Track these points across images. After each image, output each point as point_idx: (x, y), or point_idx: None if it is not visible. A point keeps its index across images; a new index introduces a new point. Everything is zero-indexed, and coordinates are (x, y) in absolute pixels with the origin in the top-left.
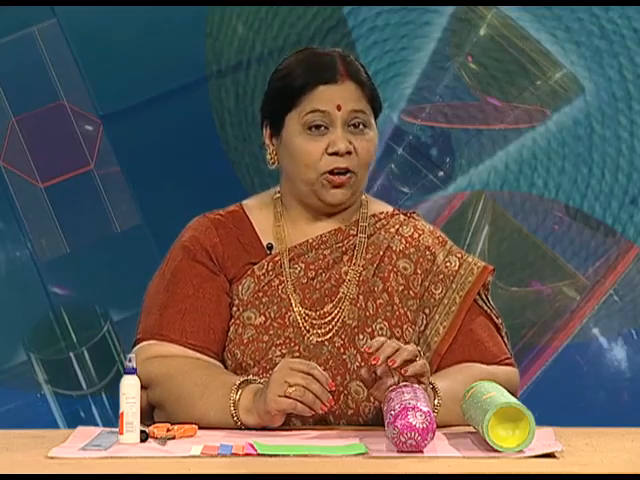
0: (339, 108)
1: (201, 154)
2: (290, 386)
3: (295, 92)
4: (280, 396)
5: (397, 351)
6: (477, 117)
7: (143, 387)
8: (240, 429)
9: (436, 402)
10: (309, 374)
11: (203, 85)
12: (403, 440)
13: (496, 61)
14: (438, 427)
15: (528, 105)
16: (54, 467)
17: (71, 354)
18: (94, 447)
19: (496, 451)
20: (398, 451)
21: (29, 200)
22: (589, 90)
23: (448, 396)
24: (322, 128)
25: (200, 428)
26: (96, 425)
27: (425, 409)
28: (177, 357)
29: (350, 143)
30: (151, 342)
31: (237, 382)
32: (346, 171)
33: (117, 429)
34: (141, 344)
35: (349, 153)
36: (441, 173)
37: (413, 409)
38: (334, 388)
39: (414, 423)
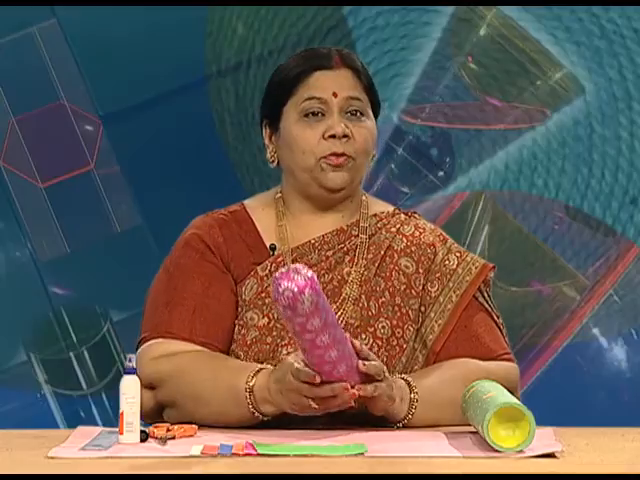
0: (335, 95)
1: (201, 154)
2: (310, 398)
3: (291, 81)
4: (307, 408)
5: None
6: (477, 117)
7: (152, 387)
8: (261, 420)
9: (412, 396)
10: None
11: (203, 85)
12: (280, 291)
13: (496, 61)
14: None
15: (528, 105)
16: (54, 467)
17: (71, 354)
18: (94, 447)
19: (496, 451)
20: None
21: (29, 200)
22: (589, 90)
23: (426, 393)
24: (319, 115)
25: (215, 426)
26: (96, 425)
27: (309, 274)
28: (184, 353)
29: (348, 128)
30: (159, 340)
31: (249, 374)
32: (344, 154)
33: (117, 429)
34: (149, 342)
35: (346, 137)
36: (441, 173)
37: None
38: (347, 391)
39: (294, 277)
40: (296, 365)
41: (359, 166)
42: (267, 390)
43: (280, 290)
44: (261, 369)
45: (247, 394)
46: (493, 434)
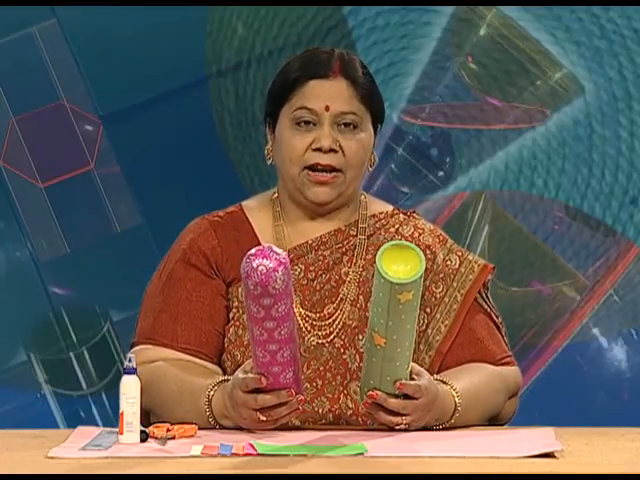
0: (327, 109)
1: (201, 154)
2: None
3: (288, 86)
4: (258, 422)
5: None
6: (477, 117)
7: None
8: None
9: (458, 400)
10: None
11: (203, 85)
12: (254, 266)
13: (496, 61)
14: (457, 428)
15: (528, 105)
16: (54, 467)
17: (71, 354)
18: (94, 447)
19: (493, 451)
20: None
21: (29, 200)
22: (589, 90)
23: (467, 396)
24: (310, 124)
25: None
26: (96, 425)
27: (284, 254)
28: (157, 362)
29: (337, 142)
30: (144, 347)
31: (208, 390)
32: (331, 169)
33: (117, 429)
34: (135, 348)
35: (334, 151)
36: (441, 173)
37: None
38: (292, 397)
39: (270, 254)
40: (240, 375)
41: (350, 180)
42: (224, 405)
43: (254, 265)
44: (223, 381)
45: (206, 407)
46: (387, 268)
